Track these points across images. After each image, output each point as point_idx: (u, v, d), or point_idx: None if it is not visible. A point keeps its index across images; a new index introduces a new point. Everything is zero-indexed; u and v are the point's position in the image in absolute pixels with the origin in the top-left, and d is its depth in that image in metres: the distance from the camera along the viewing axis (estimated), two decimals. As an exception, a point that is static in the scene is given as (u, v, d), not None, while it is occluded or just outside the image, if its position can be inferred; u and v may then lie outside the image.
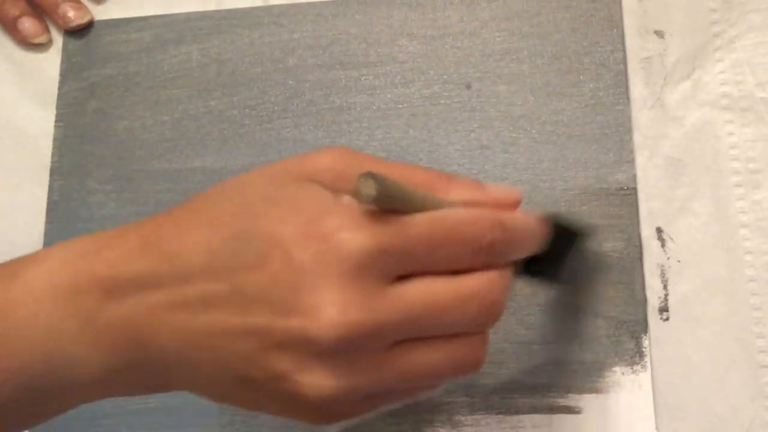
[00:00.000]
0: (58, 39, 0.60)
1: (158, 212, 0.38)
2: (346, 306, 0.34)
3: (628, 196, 0.50)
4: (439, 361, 0.37)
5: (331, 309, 0.34)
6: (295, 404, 0.36)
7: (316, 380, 0.35)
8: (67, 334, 0.37)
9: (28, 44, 0.60)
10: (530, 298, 0.50)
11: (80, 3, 0.60)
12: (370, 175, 0.34)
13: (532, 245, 0.41)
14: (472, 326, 0.37)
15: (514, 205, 0.40)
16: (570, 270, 0.46)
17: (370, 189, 0.34)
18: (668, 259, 0.49)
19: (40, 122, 0.59)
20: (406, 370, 0.36)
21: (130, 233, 0.38)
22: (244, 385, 0.36)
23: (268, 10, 0.58)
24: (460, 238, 0.36)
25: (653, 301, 0.49)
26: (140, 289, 0.36)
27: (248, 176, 0.39)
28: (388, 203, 0.35)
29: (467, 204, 0.38)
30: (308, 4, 0.57)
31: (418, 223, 0.36)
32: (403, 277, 0.36)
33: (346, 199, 0.36)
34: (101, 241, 0.38)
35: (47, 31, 0.60)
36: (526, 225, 0.40)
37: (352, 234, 0.35)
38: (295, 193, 0.37)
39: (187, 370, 0.37)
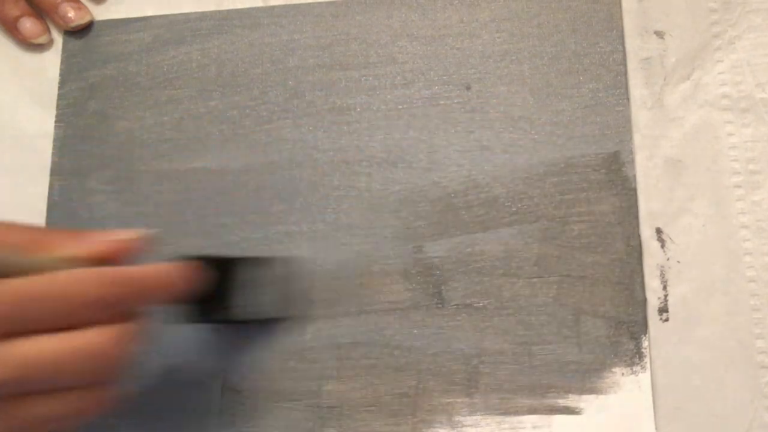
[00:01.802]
0: (58, 39, 0.60)
1: None
2: None
3: (627, 197, 0.51)
4: (50, 413, 0.39)
5: None
6: None
7: None
8: None
9: (28, 45, 0.60)
10: (530, 299, 0.50)
11: (80, 3, 0.60)
12: None
13: (165, 292, 0.42)
14: (83, 379, 0.39)
15: (127, 249, 0.41)
16: (250, 304, 0.48)
17: None
18: (668, 259, 0.50)
19: (40, 122, 0.58)
20: (16, 422, 0.38)
21: None
22: None
23: (268, 10, 0.58)
24: (57, 298, 0.38)
25: (653, 301, 0.49)
26: None
27: None
28: None
29: (78, 259, 0.39)
30: (308, 4, 0.57)
31: (10, 285, 0.37)
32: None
33: None
34: None
35: (48, 31, 0.60)
36: (147, 274, 0.41)
37: None
38: None
39: None
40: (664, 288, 0.49)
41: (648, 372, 0.48)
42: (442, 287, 0.51)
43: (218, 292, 0.46)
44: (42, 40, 0.59)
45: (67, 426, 0.40)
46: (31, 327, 0.37)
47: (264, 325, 0.51)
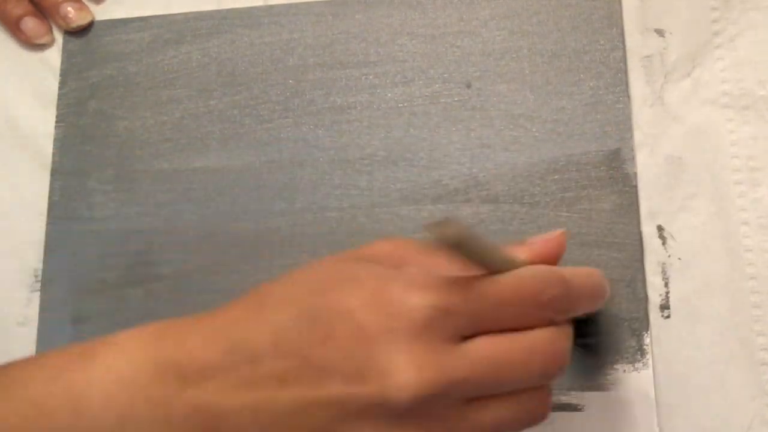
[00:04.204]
0: (58, 39, 0.60)
1: (231, 300, 0.39)
2: (418, 366, 0.35)
3: (628, 194, 0.51)
4: (507, 416, 0.38)
5: (404, 370, 0.35)
6: None
7: None
8: (143, 420, 0.37)
9: (31, 45, 0.60)
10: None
11: (82, 3, 0.60)
12: (450, 220, 0.34)
13: (596, 300, 0.41)
14: (537, 380, 0.38)
15: (558, 252, 0.41)
16: None
17: (450, 231, 0.34)
18: (669, 257, 0.49)
19: (40, 122, 0.59)
20: (477, 427, 0.37)
21: (204, 321, 0.39)
22: None
23: (268, 10, 0.58)
24: (522, 297, 0.37)
25: (654, 298, 0.49)
26: (214, 376, 0.37)
27: (312, 263, 0.40)
28: (464, 250, 0.35)
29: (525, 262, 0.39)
30: (308, 4, 0.57)
31: (483, 284, 0.37)
32: (468, 337, 0.37)
33: (411, 268, 0.37)
34: (176, 327, 0.39)
35: (50, 31, 0.60)
36: (588, 278, 0.40)
37: (417, 297, 0.36)
38: (357, 270, 0.38)
39: None
40: (666, 285, 0.49)
41: (650, 369, 0.48)
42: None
43: None
44: (45, 40, 0.60)
45: None
46: (489, 326, 0.37)
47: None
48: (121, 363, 0.38)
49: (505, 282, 0.37)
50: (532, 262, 0.39)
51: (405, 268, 0.38)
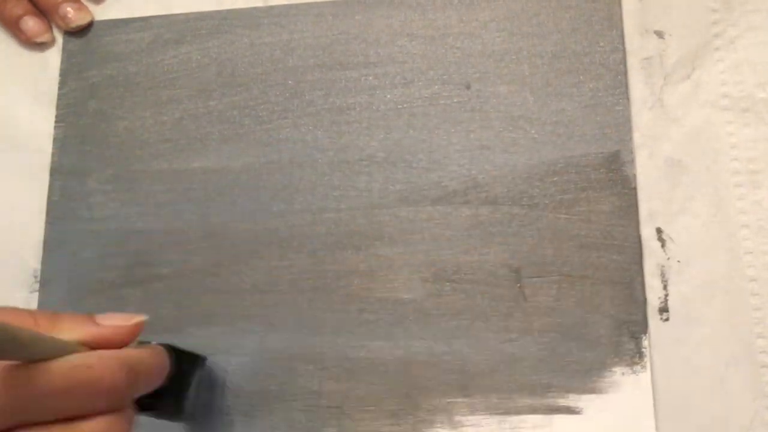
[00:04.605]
0: (58, 39, 0.60)
1: None
2: None
3: (628, 197, 0.50)
4: None
5: None
6: None
7: None
8: None
9: (31, 44, 0.60)
10: (530, 299, 0.50)
11: (81, 3, 0.60)
12: None
13: (158, 379, 0.41)
14: None
15: (132, 335, 0.40)
16: (194, 399, 0.48)
17: None
18: (668, 259, 0.49)
19: (40, 122, 0.59)
20: None
21: None
22: None
23: (268, 10, 0.58)
24: (75, 386, 0.36)
25: (653, 301, 0.49)
26: None
27: None
28: None
29: (83, 342, 0.38)
30: (308, 4, 0.57)
31: (20, 375, 0.35)
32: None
33: None
34: None
35: (50, 30, 0.60)
36: (152, 359, 0.39)
37: None
38: None
39: None
40: (665, 288, 0.49)
41: (648, 371, 0.48)
42: (443, 286, 0.51)
43: (171, 385, 0.45)
44: (44, 38, 0.60)
45: None
46: (35, 417, 0.36)
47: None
48: None
49: (49, 372, 0.35)
50: (97, 344, 0.38)
51: None
